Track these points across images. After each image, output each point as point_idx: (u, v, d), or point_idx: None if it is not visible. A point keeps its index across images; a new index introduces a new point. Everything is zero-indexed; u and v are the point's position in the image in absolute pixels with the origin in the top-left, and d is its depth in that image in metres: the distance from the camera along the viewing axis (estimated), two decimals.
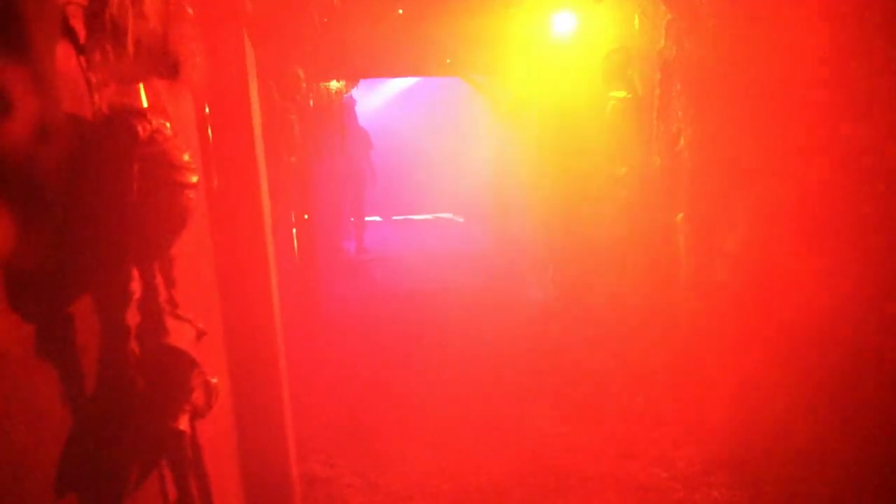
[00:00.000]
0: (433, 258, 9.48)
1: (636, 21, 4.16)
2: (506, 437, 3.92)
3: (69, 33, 1.19)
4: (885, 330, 2.31)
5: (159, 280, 1.40)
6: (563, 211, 6.18)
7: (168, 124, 1.38)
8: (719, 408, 3.43)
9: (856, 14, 2.35)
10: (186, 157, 1.35)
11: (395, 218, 11.64)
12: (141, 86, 1.44)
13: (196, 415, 1.41)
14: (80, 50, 1.22)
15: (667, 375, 4.07)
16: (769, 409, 3.00)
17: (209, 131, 2.46)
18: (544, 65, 6.24)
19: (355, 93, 7.76)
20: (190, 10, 1.38)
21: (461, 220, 12.78)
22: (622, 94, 4.35)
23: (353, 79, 7.39)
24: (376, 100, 12.35)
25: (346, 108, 7.90)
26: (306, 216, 5.58)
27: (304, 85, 5.42)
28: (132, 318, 1.29)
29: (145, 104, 1.43)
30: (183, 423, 1.32)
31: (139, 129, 1.24)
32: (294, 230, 4.98)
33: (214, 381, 1.54)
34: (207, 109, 2.44)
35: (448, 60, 7.65)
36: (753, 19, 2.97)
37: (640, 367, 4.44)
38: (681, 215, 3.72)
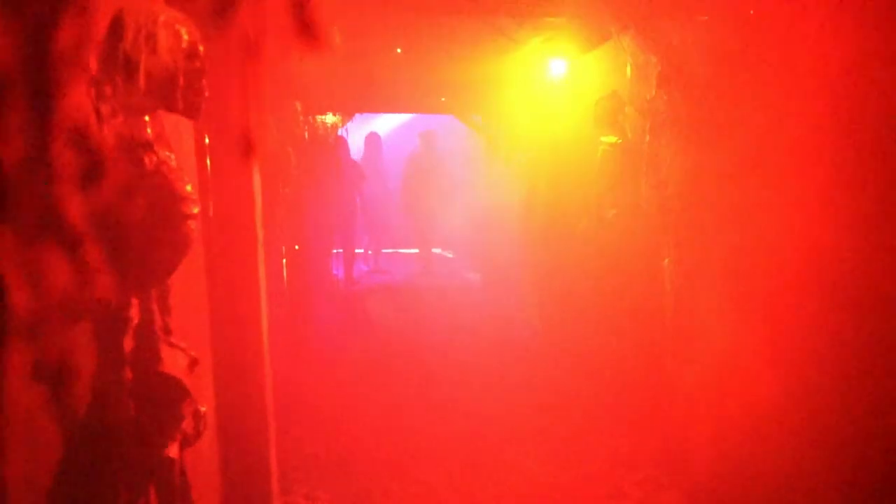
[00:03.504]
0: (422, 292, 9.49)
1: (628, 70, 4.28)
2: (491, 474, 3.89)
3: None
4: (873, 371, 2.35)
5: (155, 307, 1.42)
6: (552, 251, 6.24)
7: (172, 156, 1.42)
8: (703, 452, 3.44)
9: (845, 69, 2.44)
10: (189, 189, 1.39)
11: (384, 251, 11.72)
12: (147, 118, 1.48)
13: (185, 443, 1.42)
14: (90, 81, 1.26)
15: (651, 417, 4.08)
16: (753, 453, 3.02)
17: (208, 161, 2.51)
18: (537, 108, 6.38)
19: (350, 126, 7.89)
20: (201, 47, 1.43)
21: (451, 255, 12.81)
22: (612, 139, 4.45)
23: (348, 113, 7.51)
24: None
25: (340, 141, 8.00)
26: (297, 247, 5.60)
27: (302, 118, 5.50)
28: (127, 344, 1.30)
29: (151, 136, 1.47)
30: (173, 451, 1.33)
31: (146, 160, 1.28)
32: (284, 261, 4.99)
33: (203, 409, 1.56)
34: (207, 140, 2.49)
35: (443, 99, 7.80)
36: (741, 71, 3.08)
37: (625, 408, 4.45)
38: (667, 260, 3.78)
